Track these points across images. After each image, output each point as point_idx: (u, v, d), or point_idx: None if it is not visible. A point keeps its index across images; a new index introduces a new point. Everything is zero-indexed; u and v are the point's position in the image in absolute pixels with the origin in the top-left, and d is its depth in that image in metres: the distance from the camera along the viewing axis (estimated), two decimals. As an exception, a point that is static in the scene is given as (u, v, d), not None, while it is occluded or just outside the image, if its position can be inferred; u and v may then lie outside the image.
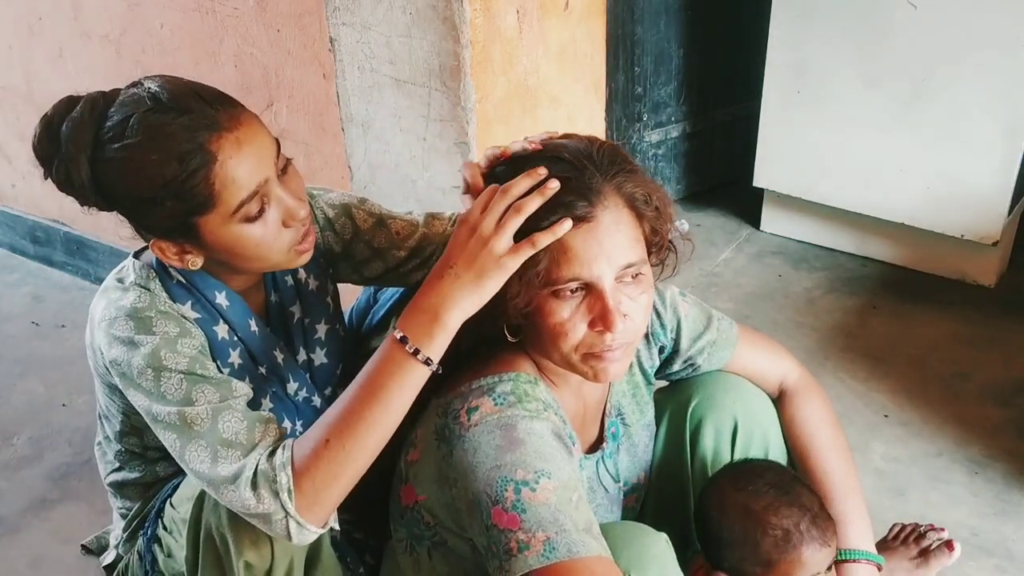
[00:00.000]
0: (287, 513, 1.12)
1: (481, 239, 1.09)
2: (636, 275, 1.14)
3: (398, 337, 1.13)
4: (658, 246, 1.19)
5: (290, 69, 2.08)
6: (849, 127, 2.42)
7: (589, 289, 1.12)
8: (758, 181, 2.65)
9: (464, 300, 1.11)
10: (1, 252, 3.03)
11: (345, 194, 1.47)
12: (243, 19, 2.09)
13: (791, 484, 1.33)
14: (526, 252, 1.08)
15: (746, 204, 2.85)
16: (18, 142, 2.76)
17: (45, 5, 2.44)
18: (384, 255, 1.44)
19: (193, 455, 1.16)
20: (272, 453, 1.14)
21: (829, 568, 1.33)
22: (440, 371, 1.15)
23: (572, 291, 1.11)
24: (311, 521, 1.13)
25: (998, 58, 2.16)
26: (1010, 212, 2.32)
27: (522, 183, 1.10)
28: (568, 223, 1.08)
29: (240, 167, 1.15)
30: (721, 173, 3.01)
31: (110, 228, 2.67)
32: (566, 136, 1.20)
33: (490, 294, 1.11)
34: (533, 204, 1.08)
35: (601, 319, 1.11)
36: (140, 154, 1.13)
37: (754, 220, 2.82)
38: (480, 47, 1.84)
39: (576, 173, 1.10)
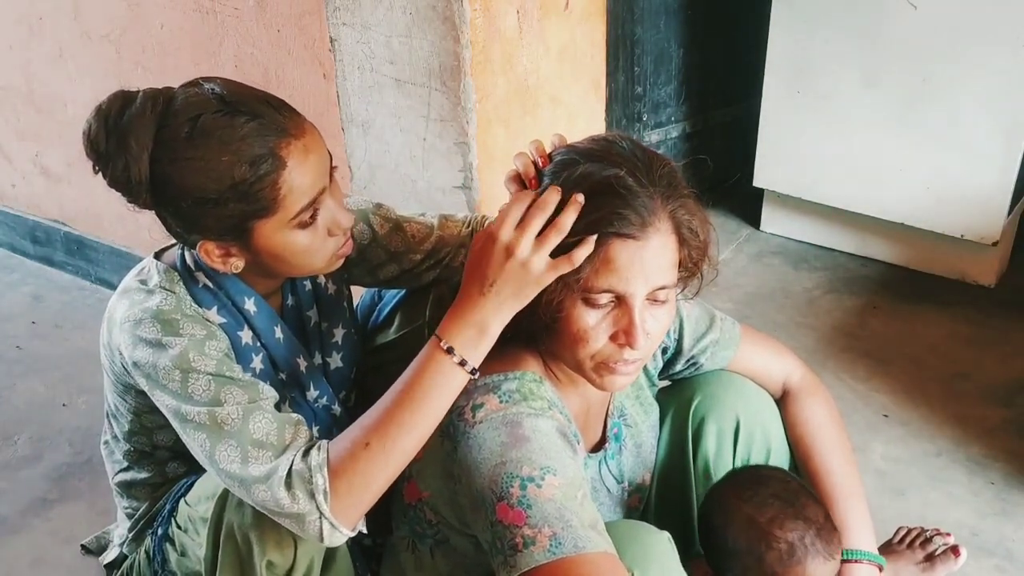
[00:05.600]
0: (321, 514, 1.12)
1: (519, 260, 1.10)
2: (665, 301, 1.15)
3: (445, 348, 1.14)
4: (689, 272, 1.20)
5: (290, 69, 2.08)
6: (849, 127, 2.43)
7: (619, 302, 1.13)
8: (758, 181, 2.65)
9: (506, 312, 1.14)
10: (1, 252, 3.03)
11: (361, 199, 1.48)
12: (243, 19, 2.09)
13: (796, 495, 1.32)
14: (564, 269, 1.10)
15: (746, 204, 2.85)
16: (18, 142, 2.76)
17: (45, 5, 2.44)
18: (400, 258, 1.45)
19: (223, 455, 1.16)
20: (306, 453, 1.15)
21: None
22: (477, 375, 1.17)
23: (602, 304, 1.12)
24: (344, 523, 1.14)
25: (998, 58, 2.16)
26: (1010, 212, 2.32)
27: (552, 197, 1.10)
28: (593, 238, 1.09)
29: (306, 175, 1.17)
30: (721, 173, 3.01)
31: (110, 228, 2.68)
32: (615, 137, 1.18)
33: (527, 301, 1.13)
34: (569, 219, 1.09)
35: (625, 334, 1.12)
36: (210, 154, 1.13)
37: (754, 220, 2.82)
38: (480, 47, 1.84)
39: (637, 189, 1.11)
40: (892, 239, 2.57)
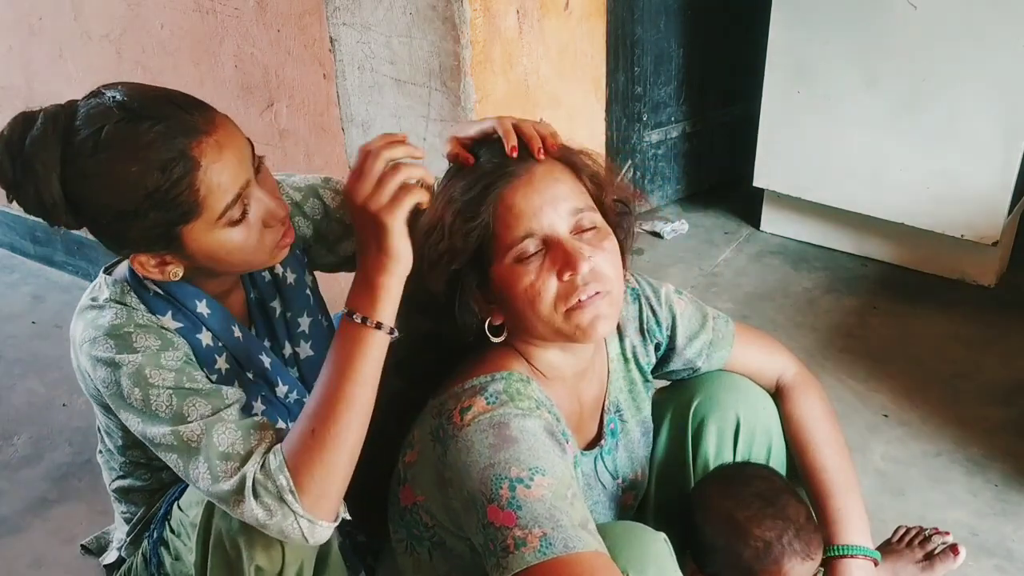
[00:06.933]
0: (295, 514, 1.12)
1: (358, 204, 1.13)
2: (592, 227, 1.16)
3: (346, 313, 1.16)
4: (607, 203, 1.22)
5: (290, 69, 2.08)
6: (849, 127, 2.43)
7: (548, 245, 1.14)
8: (758, 181, 2.65)
9: (383, 264, 1.14)
10: (1, 252, 3.03)
11: (309, 176, 1.45)
12: (243, 19, 2.09)
13: (778, 494, 1.33)
14: (406, 200, 1.13)
15: (746, 204, 2.85)
16: (18, 142, 2.76)
17: (45, 5, 2.44)
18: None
19: (196, 473, 1.16)
20: (264, 461, 1.14)
21: None
22: (395, 334, 1.18)
23: (532, 253, 1.14)
24: (321, 516, 1.13)
25: (998, 58, 2.16)
26: (1010, 212, 2.32)
27: (395, 147, 1.16)
28: (423, 151, 1.17)
29: (224, 172, 1.14)
30: (721, 173, 3.01)
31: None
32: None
33: (399, 250, 1.13)
34: (408, 163, 1.14)
35: (565, 263, 1.13)
36: (119, 167, 1.10)
37: (754, 220, 2.82)
38: (480, 47, 1.84)
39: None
40: (892, 239, 2.57)
